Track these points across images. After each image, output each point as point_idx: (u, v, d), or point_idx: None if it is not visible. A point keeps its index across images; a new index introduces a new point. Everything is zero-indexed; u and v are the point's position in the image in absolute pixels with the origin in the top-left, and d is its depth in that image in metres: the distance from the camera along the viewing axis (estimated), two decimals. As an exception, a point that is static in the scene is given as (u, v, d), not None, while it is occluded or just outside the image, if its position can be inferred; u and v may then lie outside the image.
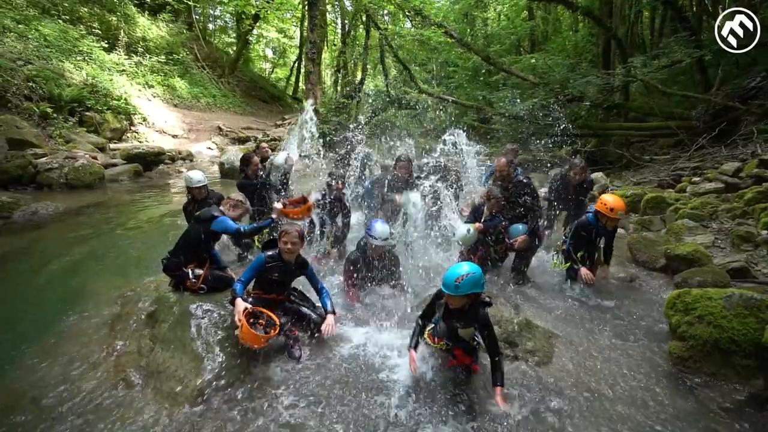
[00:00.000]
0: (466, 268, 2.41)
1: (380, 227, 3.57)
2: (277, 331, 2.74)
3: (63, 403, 2.48)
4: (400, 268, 3.87)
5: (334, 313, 3.02)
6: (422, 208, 4.41)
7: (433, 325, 2.76)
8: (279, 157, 5.23)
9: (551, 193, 4.93)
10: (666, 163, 8.29)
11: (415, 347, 2.62)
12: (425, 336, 2.76)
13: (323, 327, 2.91)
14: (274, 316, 2.80)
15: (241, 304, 2.68)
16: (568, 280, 4.01)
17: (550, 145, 12.46)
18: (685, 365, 2.80)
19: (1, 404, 2.50)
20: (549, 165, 10.54)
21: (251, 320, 2.71)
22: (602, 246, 4.01)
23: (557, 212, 5.05)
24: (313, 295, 3.26)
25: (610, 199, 3.70)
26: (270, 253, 2.93)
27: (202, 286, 3.23)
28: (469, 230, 3.89)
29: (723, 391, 2.60)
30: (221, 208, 3.47)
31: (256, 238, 4.65)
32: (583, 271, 3.72)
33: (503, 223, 4.07)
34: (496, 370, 2.42)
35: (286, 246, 2.88)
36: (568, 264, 3.95)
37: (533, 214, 4.13)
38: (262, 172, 4.97)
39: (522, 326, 3.08)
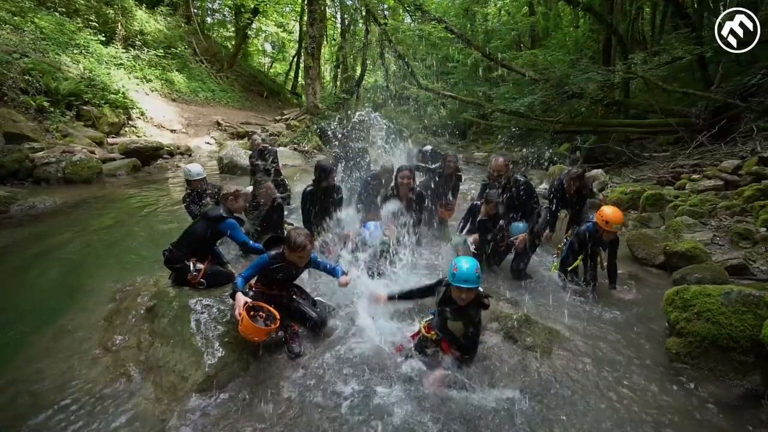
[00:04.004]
0: (472, 261, 2.48)
1: (374, 231, 3.56)
2: (278, 325, 2.73)
3: (62, 397, 2.48)
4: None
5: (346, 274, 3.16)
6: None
7: (431, 317, 2.79)
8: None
9: (551, 194, 4.93)
10: (665, 160, 8.29)
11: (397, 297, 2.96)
12: (422, 326, 2.79)
13: (341, 279, 3.06)
14: (274, 311, 2.79)
15: (241, 298, 2.66)
16: (571, 282, 4.03)
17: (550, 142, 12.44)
18: (683, 361, 2.81)
19: (0, 398, 2.49)
20: (550, 162, 10.53)
21: (251, 313, 2.70)
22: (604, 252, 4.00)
23: (557, 212, 5.07)
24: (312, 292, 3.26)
25: (608, 212, 3.63)
26: (273, 253, 2.88)
27: (202, 280, 3.23)
28: (465, 241, 4.08)
29: (720, 386, 2.62)
30: (225, 204, 3.42)
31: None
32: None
33: (503, 222, 4.08)
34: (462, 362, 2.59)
35: (300, 260, 2.85)
36: (571, 267, 3.97)
37: (532, 212, 4.14)
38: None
39: (521, 322, 3.09)
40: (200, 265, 3.25)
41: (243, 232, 3.42)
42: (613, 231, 3.64)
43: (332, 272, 3.15)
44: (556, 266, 4.16)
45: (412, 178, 4.44)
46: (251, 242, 3.43)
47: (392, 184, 4.59)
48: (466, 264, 2.44)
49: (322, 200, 4.30)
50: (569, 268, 4.00)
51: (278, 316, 2.76)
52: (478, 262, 2.51)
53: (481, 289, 2.56)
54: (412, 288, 2.97)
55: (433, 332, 2.72)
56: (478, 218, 4.11)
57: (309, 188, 4.34)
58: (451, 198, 5.30)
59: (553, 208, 4.86)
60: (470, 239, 4.12)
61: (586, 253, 3.94)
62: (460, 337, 2.65)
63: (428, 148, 6.35)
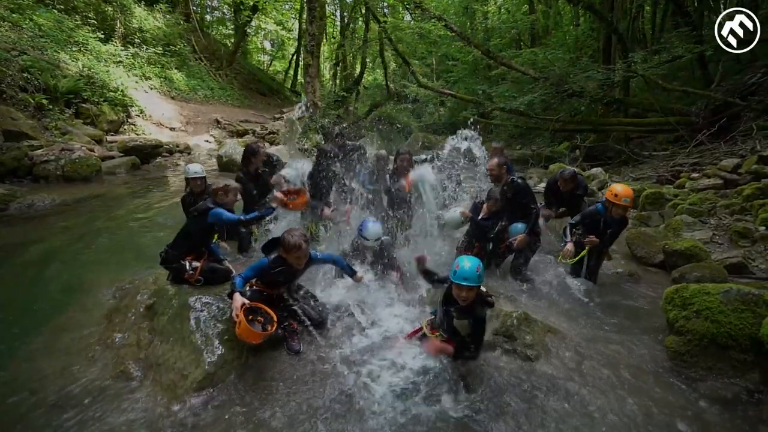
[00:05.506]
0: (473, 260, 2.45)
1: (372, 227, 3.55)
2: (275, 328, 2.71)
3: (61, 395, 2.48)
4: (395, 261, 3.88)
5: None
6: (435, 186, 4.34)
7: (432, 316, 2.78)
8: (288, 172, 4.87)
9: (546, 196, 4.94)
10: (665, 158, 8.30)
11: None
12: (424, 326, 2.78)
13: (357, 276, 3.23)
14: (272, 313, 2.77)
15: (239, 300, 2.63)
16: (572, 275, 4.01)
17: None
18: (682, 359, 2.81)
19: (0, 396, 2.50)
20: (549, 161, 10.52)
21: (250, 317, 2.68)
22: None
23: (555, 211, 5.08)
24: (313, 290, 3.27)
25: (619, 187, 3.67)
26: (272, 257, 2.84)
27: (199, 277, 3.22)
28: (457, 215, 4.13)
29: (719, 385, 2.62)
30: (215, 199, 3.39)
31: (255, 230, 4.63)
32: (568, 246, 3.82)
33: (503, 223, 4.08)
34: (465, 350, 2.53)
35: (298, 261, 2.81)
36: (575, 259, 3.92)
37: (530, 213, 4.13)
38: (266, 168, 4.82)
39: (521, 320, 3.08)
40: (196, 264, 3.24)
41: (230, 214, 3.37)
42: (622, 205, 3.61)
43: (334, 263, 3.20)
44: (562, 256, 4.02)
45: (411, 161, 4.61)
46: (244, 216, 3.43)
47: (390, 167, 4.73)
48: (468, 263, 2.41)
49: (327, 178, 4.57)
50: (571, 261, 3.93)
51: (276, 319, 2.74)
52: (480, 261, 2.49)
53: (483, 289, 2.54)
54: (437, 275, 2.85)
55: (437, 333, 2.69)
56: (480, 216, 4.11)
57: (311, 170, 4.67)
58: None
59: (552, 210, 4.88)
60: (459, 210, 4.16)
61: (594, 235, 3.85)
62: (466, 336, 2.61)
63: (421, 158, 6.17)
